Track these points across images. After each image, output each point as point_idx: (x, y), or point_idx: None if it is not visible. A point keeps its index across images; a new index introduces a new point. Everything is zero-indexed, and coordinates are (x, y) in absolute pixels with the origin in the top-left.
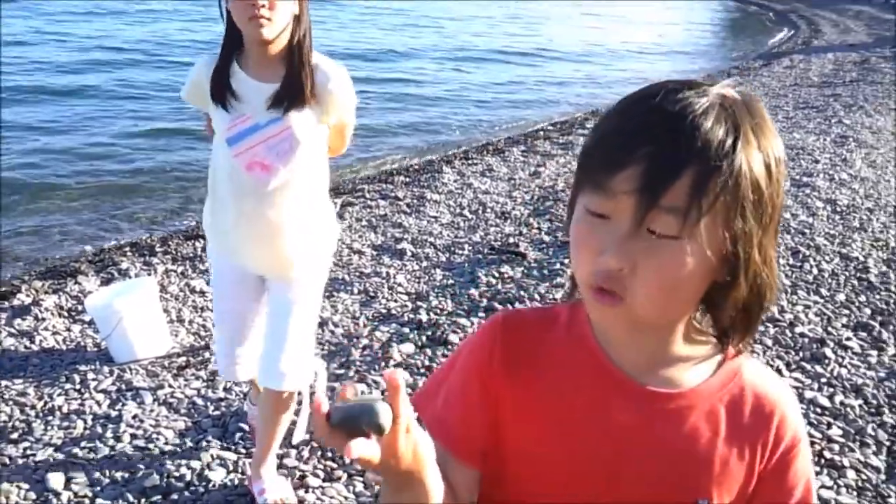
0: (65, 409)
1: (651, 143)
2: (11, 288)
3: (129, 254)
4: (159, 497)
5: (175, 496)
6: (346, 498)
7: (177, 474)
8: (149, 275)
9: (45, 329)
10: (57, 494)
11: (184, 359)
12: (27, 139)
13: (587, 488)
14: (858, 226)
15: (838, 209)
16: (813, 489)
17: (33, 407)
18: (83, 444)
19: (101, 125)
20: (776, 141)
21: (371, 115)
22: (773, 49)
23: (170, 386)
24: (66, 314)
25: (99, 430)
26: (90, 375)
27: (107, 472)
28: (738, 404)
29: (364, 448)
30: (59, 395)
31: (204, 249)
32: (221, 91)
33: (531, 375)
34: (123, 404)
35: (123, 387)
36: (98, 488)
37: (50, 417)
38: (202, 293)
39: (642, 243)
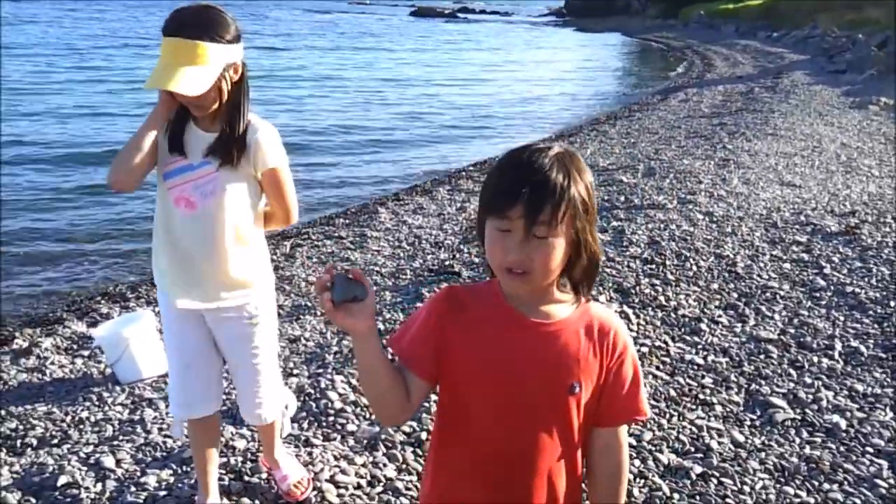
0: (92, 420)
1: (527, 190)
2: (5, 336)
3: (101, 301)
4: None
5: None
6: (342, 450)
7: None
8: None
9: (52, 364)
10: (112, 471)
11: None
12: None
13: (500, 386)
14: (731, 231)
15: (715, 219)
16: (640, 375)
17: (62, 420)
18: (120, 437)
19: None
20: (589, 173)
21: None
22: (670, 84)
23: None
24: (63, 352)
25: (128, 429)
26: (105, 394)
27: (148, 453)
28: (590, 327)
29: (361, 316)
30: (83, 410)
31: None
32: (176, 139)
33: (466, 320)
34: (143, 411)
35: (137, 399)
36: (144, 465)
37: (81, 426)
38: None
39: (531, 243)
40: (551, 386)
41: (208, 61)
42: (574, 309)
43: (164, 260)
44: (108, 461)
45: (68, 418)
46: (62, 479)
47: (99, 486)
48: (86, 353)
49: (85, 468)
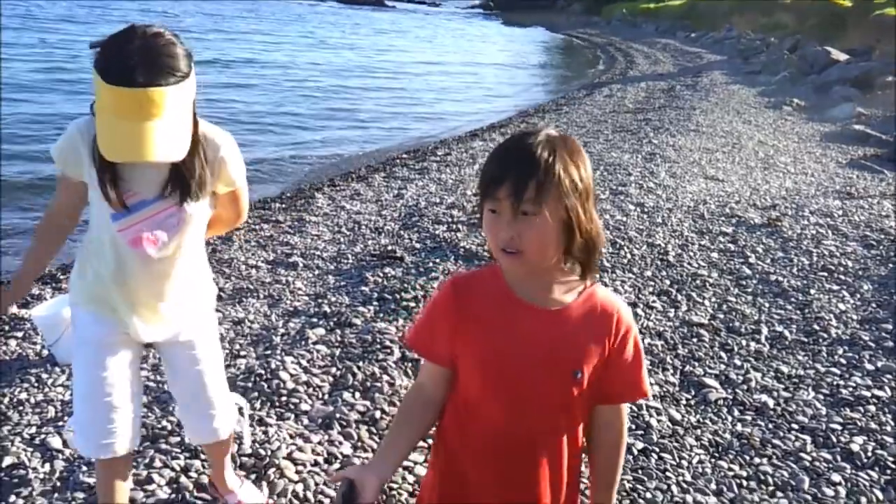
0: (32, 401)
1: (512, 170)
2: None
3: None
4: (149, 443)
5: (162, 441)
6: (297, 429)
7: (159, 426)
8: None
9: None
10: (60, 451)
11: None
12: None
13: (506, 371)
14: (661, 221)
15: (646, 210)
16: (643, 356)
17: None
18: (64, 418)
19: None
20: (584, 156)
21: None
22: (595, 80)
23: None
24: None
25: (72, 409)
26: (44, 376)
27: None
28: (594, 312)
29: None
30: (21, 392)
31: None
32: (114, 184)
33: (471, 307)
34: None
35: None
36: None
37: (21, 408)
38: None
39: (520, 221)
40: (555, 370)
41: (174, 106)
42: (579, 293)
43: (115, 296)
44: (55, 442)
45: (6, 400)
46: (7, 460)
47: (47, 466)
48: (19, 334)
49: (31, 449)
